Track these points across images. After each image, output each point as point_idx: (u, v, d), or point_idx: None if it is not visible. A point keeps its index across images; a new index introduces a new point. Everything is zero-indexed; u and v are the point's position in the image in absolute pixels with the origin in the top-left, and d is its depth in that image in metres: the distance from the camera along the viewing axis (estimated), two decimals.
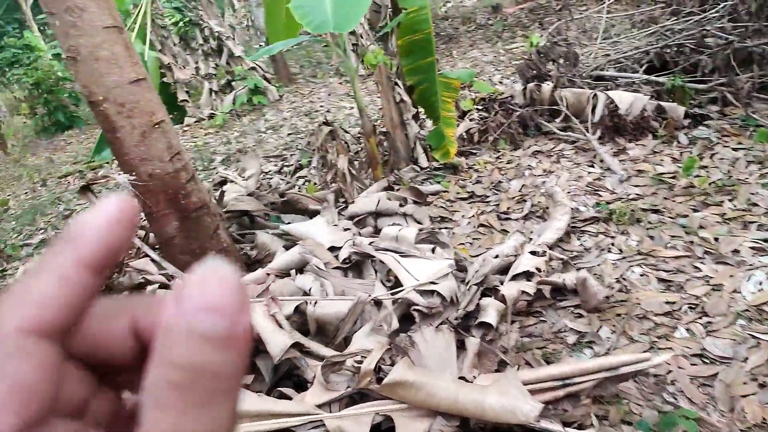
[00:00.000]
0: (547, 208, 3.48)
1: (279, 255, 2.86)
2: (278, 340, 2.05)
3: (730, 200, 3.08)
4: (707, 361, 2.13)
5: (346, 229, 2.96)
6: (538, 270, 2.76)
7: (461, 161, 4.40)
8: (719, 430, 1.83)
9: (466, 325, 2.43)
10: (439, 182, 4.23)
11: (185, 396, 0.19)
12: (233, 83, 8.81)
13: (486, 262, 2.71)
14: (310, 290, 2.43)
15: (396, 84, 4.29)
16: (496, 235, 3.44)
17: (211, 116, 8.36)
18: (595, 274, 2.81)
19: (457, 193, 4.06)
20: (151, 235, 3.03)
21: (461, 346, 2.24)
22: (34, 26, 15.47)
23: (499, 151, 4.51)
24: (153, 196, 2.55)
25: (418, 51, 3.97)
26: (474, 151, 4.63)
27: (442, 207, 3.95)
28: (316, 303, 2.24)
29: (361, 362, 1.93)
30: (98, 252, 0.21)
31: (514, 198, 3.78)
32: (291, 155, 5.71)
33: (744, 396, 1.93)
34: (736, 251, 2.68)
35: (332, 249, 2.82)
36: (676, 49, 4.61)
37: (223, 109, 8.35)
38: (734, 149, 3.57)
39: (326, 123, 3.83)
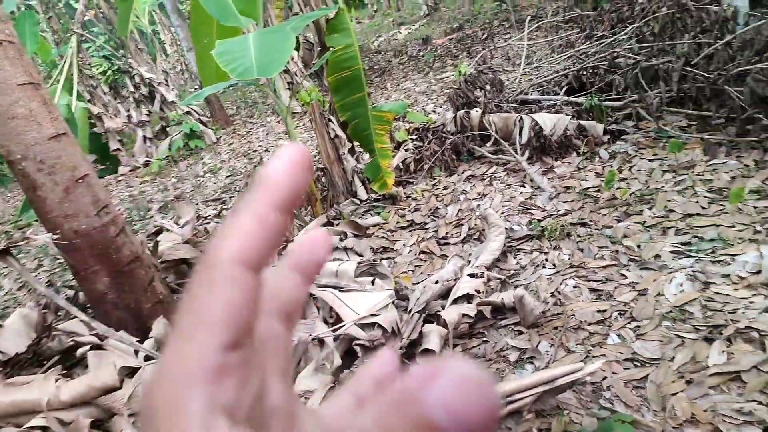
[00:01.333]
0: (483, 230, 3.59)
1: None
2: None
3: (649, 208, 3.27)
4: (638, 364, 2.22)
5: None
6: (478, 292, 2.83)
7: (399, 191, 4.48)
8: (653, 429, 1.91)
9: (412, 353, 2.46)
10: (378, 213, 4.28)
11: None
12: (168, 129, 8.69)
13: (426, 289, 2.76)
14: None
15: (330, 120, 4.36)
16: (436, 261, 3.50)
17: (147, 164, 8.19)
18: (531, 291, 2.90)
19: (397, 222, 4.12)
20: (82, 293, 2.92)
21: None
22: None
23: (435, 179, 4.62)
24: (80, 254, 2.48)
25: (348, 87, 4.06)
26: (411, 180, 4.73)
27: (384, 237, 4.00)
28: None
29: (305, 404, 1.91)
30: (284, 195, 0.25)
31: (451, 223, 3.87)
32: (231, 198, 5.66)
33: (674, 394, 2.03)
34: (657, 256, 2.84)
35: None
36: (591, 70, 4.91)
37: (158, 155, 8.20)
38: (650, 160, 3.81)
39: (261, 163, 3.83)
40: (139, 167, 8.27)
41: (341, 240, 3.33)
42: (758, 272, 2.47)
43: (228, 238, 0.24)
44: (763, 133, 3.39)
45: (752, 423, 1.83)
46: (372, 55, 11.72)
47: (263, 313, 0.27)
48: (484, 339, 2.68)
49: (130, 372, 2.34)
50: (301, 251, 0.31)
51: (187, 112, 8.67)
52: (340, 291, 2.49)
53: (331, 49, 3.86)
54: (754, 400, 1.90)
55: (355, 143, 4.53)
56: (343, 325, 2.23)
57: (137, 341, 2.52)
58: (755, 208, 2.94)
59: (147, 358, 2.41)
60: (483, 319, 2.77)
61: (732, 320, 2.24)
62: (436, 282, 2.91)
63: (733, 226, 2.85)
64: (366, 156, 4.59)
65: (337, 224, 3.68)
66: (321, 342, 2.33)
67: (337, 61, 3.91)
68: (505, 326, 2.72)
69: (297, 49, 9.47)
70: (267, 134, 8.34)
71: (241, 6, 3.28)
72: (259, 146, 7.74)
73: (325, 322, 2.54)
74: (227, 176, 6.72)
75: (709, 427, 1.86)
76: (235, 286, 0.23)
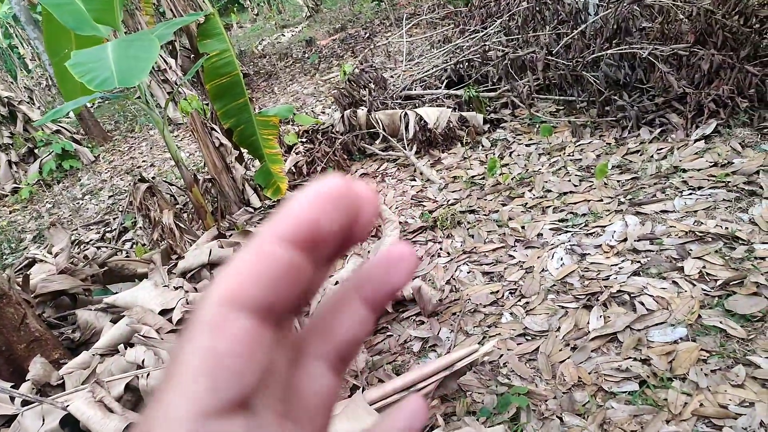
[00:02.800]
0: (379, 226, 3.63)
1: (106, 331, 2.63)
2: (109, 428, 1.87)
3: (529, 191, 3.48)
4: (529, 338, 2.36)
5: (177, 288, 2.80)
6: None
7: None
8: (546, 397, 2.04)
9: None
10: None
11: None
12: (36, 151, 7.94)
13: (327, 292, 2.74)
14: (143, 362, 2.26)
15: (213, 129, 4.20)
16: (338, 262, 3.49)
17: (15, 191, 7.44)
18: (429, 280, 2.99)
19: None
20: None
21: None
22: None
23: None
24: None
25: (228, 94, 3.93)
26: (305, 183, 4.68)
27: None
28: (149, 375, 2.08)
29: None
30: (300, 228, 0.20)
31: None
32: (114, 219, 5.29)
33: (561, 361, 2.18)
34: (539, 235, 3.03)
35: (165, 312, 2.65)
36: (467, 63, 5.13)
37: (28, 180, 7.47)
38: (527, 145, 4.06)
39: (142, 180, 3.62)
40: (7, 195, 7.48)
41: (235, 251, 3.22)
42: (624, 240, 2.72)
43: (220, 278, 0.20)
44: (619, 113, 3.73)
45: (630, 379, 2.00)
46: (257, 59, 11.46)
47: (310, 357, 0.23)
48: (388, 333, 2.71)
49: (7, 420, 2.11)
50: (374, 272, 0.24)
51: (57, 131, 7.97)
52: None
53: (206, 55, 3.72)
54: (630, 357, 2.08)
55: (243, 150, 4.41)
56: None
57: (12, 386, 2.28)
58: (618, 181, 3.23)
59: (25, 403, 2.19)
60: (385, 313, 2.81)
61: (606, 286, 2.45)
62: (336, 283, 2.90)
63: (601, 200, 3.11)
64: (257, 163, 4.48)
65: (230, 236, 3.55)
66: None
67: (214, 68, 3.77)
68: (407, 318, 2.77)
69: (175, 57, 9.04)
70: (151, 148, 7.88)
71: (96, 14, 3.05)
72: (143, 161, 7.30)
73: None
74: (110, 196, 6.27)
75: (593, 387, 2.02)
76: (219, 333, 0.18)
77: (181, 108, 5.51)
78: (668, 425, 1.77)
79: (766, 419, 1.69)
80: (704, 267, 2.35)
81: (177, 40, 9.03)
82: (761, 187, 2.72)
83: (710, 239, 2.50)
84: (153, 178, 6.00)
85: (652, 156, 3.33)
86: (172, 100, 8.17)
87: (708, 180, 2.92)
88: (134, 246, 4.38)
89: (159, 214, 3.57)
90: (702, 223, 2.62)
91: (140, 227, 4.23)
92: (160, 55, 8.72)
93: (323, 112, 6.55)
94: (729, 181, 2.85)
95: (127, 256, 4.09)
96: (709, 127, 3.29)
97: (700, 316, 2.12)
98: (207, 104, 5.01)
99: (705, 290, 2.23)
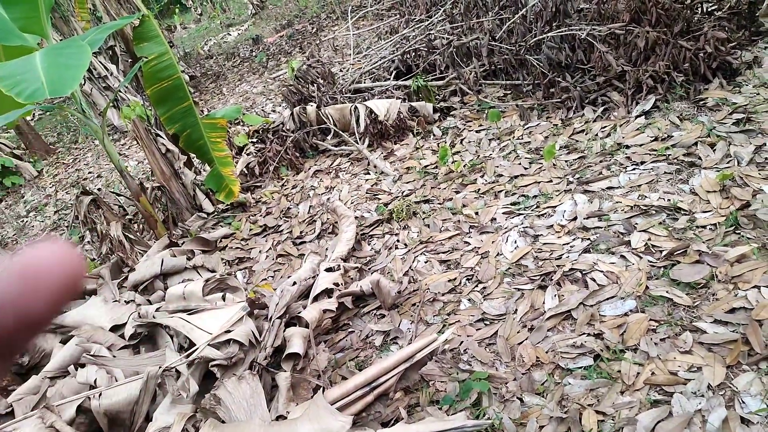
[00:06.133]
0: (336, 223, 3.60)
1: (56, 353, 2.52)
2: None
3: (481, 176, 3.51)
4: (488, 323, 2.39)
5: (129, 302, 2.72)
6: (337, 285, 2.84)
7: (248, 197, 4.35)
8: (506, 380, 2.07)
9: (279, 361, 2.40)
10: (229, 224, 4.12)
11: None
12: None
13: (285, 293, 2.70)
14: (95, 382, 2.18)
15: (158, 135, 4.08)
16: (295, 262, 3.46)
17: None
18: (388, 273, 2.98)
19: (250, 229, 4.00)
20: None
21: (276, 384, 2.21)
22: None
23: (282, 179, 4.55)
24: None
25: (170, 98, 3.82)
26: (258, 185, 4.61)
27: (239, 248, 3.86)
28: (101, 395, 2.00)
29: None
30: None
31: (304, 221, 3.84)
32: (61, 235, 5.08)
33: (519, 343, 2.21)
34: (493, 219, 3.06)
35: (117, 328, 2.57)
36: (414, 53, 5.13)
37: None
38: (477, 131, 4.09)
39: (85, 192, 3.48)
40: None
41: (189, 259, 3.14)
42: (574, 218, 2.77)
43: None
44: (564, 94, 3.79)
45: (585, 354, 2.05)
46: (203, 60, 11.19)
47: None
48: (350, 330, 2.70)
49: None
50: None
51: None
52: (190, 314, 2.35)
53: (144, 59, 3.59)
54: (584, 333, 2.13)
55: (192, 155, 4.30)
56: (196, 349, 2.11)
57: None
58: (566, 161, 3.29)
59: None
60: (346, 310, 2.79)
61: (558, 266, 2.49)
62: (294, 283, 2.87)
63: (551, 181, 3.17)
64: (208, 167, 4.37)
65: (183, 243, 3.46)
66: (178, 372, 2.18)
67: (153, 72, 3.65)
68: (368, 313, 2.76)
69: (116, 63, 8.74)
70: (97, 158, 7.60)
71: (22, 22, 2.91)
72: (90, 173, 7.04)
73: (182, 348, 2.39)
74: (55, 212, 6.03)
75: (551, 366, 2.06)
76: None
77: (124, 115, 5.33)
78: (623, 396, 1.82)
79: (714, 382, 1.75)
80: (649, 239, 2.42)
81: (117, 45, 8.73)
82: (700, 158, 2.82)
83: (654, 212, 2.58)
84: (99, 189, 5.80)
85: (596, 135, 3.41)
86: (115, 107, 7.90)
87: (650, 154, 3.01)
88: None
89: (106, 227, 3.45)
90: (646, 196, 2.70)
91: (88, 242, 4.08)
92: (100, 62, 8.42)
93: (274, 111, 6.45)
94: (669, 154, 2.94)
95: None
96: (648, 103, 3.38)
97: (647, 287, 2.19)
98: (152, 110, 4.86)
99: (651, 262, 2.30)
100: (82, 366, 2.32)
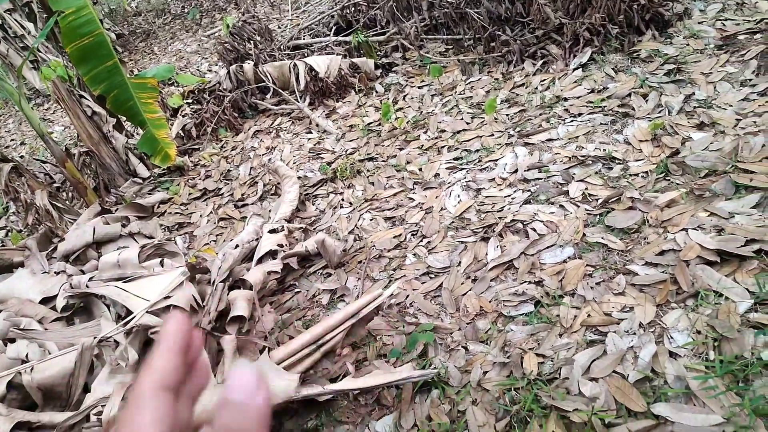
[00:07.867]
0: (278, 184, 3.52)
1: None
2: None
3: (424, 133, 3.49)
4: (432, 276, 2.41)
5: (59, 272, 2.58)
6: (281, 246, 2.79)
7: (185, 160, 4.17)
8: (451, 330, 2.10)
9: (222, 324, 2.35)
10: (167, 188, 3.95)
11: None
12: None
13: (227, 256, 2.63)
14: (27, 356, 2.07)
15: (82, 96, 3.82)
16: (237, 225, 3.37)
17: None
18: (333, 232, 2.95)
19: (189, 193, 3.85)
20: None
21: (222, 348, 2.16)
22: None
23: (221, 140, 4.39)
24: None
25: (93, 56, 3.56)
26: (197, 147, 4.43)
27: (178, 213, 3.72)
28: (32, 369, 1.91)
29: (101, 413, 1.72)
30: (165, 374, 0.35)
31: (245, 183, 3.73)
32: None
33: (464, 294, 2.25)
34: (436, 175, 3.06)
35: (48, 300, 2.44)
36: (354, 8, 4.98)
37: None
38: (419, 87, 4.05)
39: (3, 159, 3.24)
40: None
41: (124, 226, 3.00)
42: (515, 171, 2.81)
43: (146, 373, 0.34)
44: (504, 48, 3.79)
45: (526, 301, 2.10)
46: (131, 18, 10.52)
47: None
48: (296, 290, 2.67)
49: None
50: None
51: None
52: (126, 282, 2.25)
53: (60, 14, 3.32)
54: (525, 281, 2.18)
55: (122, 117, 4.06)
56: (133, 317, 2.03)
57: None
58: (507, 115, 3.31)
59: None
60: (292, 271, 2.76)
61: (500, 218, 2.53)
62: (237, 246, 2.79)
63: (492, 135, 3.19)
64: (140, 130, 4.15)
65: (117, 210, 3.30)
66: (117, 342, 2.10)
67: (72, 27, 3.38)
68: (314, 272, 2.74)
69: (33, 20, 8.08)
70: (20, 124, 7.10)
71: None
72: (12, 141, 6.57)
73: (120, 318, 2.30)
74: None
75: (494, 314, 2.10)
76: (156, 404, 0.33)
77: (43, 76, 4.96)
78: (561, 338, 1.89)
79: (645, 320, 1.84)
80: (586, 189, 2.48)
81: (34, 1, 8.05)
82: (633, 109, 2.89)
83: (591, 162, 2.64)
84: (21, 157, 5.43)
85: (536, 88, 3.44)
86: (36, 69, 7.35)
87: (586, 106, 3.07)
88: (9, 234, 3.97)
89: (31, 196, 3.24)
90: (583, 147, 2.76)
91: (13, 212, 3.83)
92: (16, 20, 7.76)
93: (209, 70, 6.18)
94: (605, 106, 3.00)
95: (2, 245, 3.71)
96: (585, 56, 3.43)
97: (584, 234, 2.25)
98: (74, 70, 4.54)
99: (588, 210, 2.37)
100: (12, 341, 2.20)
